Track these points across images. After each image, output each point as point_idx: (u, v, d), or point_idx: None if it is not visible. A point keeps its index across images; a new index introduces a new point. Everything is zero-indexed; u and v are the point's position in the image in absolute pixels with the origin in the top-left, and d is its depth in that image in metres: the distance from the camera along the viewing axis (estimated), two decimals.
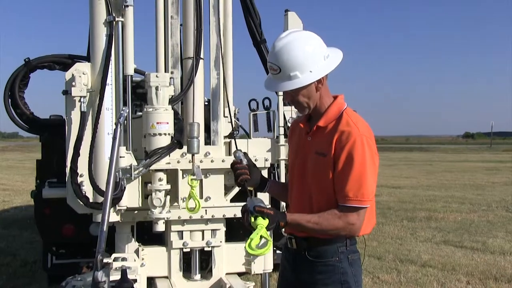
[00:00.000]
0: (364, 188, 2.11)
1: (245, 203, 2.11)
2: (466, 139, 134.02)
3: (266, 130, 4.64)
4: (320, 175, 2.20)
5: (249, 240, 1.95)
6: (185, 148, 3.61)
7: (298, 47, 2.14)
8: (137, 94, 3.79)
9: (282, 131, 4.28)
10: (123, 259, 3.35)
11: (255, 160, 3.67)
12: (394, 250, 7.38)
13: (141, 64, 4.07)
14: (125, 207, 3.55)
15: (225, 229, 3.99)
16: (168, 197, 3.63)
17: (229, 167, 2.49)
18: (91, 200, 3.45)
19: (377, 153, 2.20)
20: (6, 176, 19.45)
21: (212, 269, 3.96)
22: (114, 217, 3.51)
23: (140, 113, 3.69)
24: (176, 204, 3.73)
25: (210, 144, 3.90)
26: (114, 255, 3.38)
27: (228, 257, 4.01)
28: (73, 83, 3.41)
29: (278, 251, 4.41)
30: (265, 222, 2.00)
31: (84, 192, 3.44)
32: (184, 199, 3.64)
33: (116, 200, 3.38)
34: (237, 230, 4.12)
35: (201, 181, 3.74)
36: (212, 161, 3.80)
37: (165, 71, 3.76)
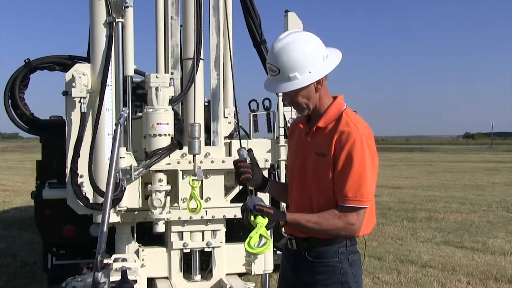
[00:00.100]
0: (364, 188, 2.11)
1: (245, 202, 2.11)
2: (466, 140, 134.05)
3: (266, 131, 4.64)
4: (320, 175, 2.20)
5: (248, 239, 1.94)
6: (185, 148, 3.61)
7: (297, 48, 2.14)
8: (137, 95, 3.80)
9: (282, 131, 4.27)
10: (123, 259, 3.36)
11: None
12: (395, 250, 7.38)
13: (141, 65, 4.07)
14: (125, 208, 3.55)
15: (225, 229, 3.99)
16: (168, 197, 3.62)
17: (229, 167, 2.49)
18: (91, 201, 3.44)
19: (377, 154, 2.20)
20: (6, 177, 19.44)
21: (212, 269, 3.96)
22: (114, 218, 3.50)
23: (140, 114, 3.68)
24: (176, 204, 3.73)
25: (210, 145, 3.90)
26: (114, 256, 3.38)
27: (229, 258, 4.01)
28: (73, 84, 3.40)
29: (278, 252, 4.41)
30: (265, 221, 2.00)
31: (84, 193, 3.43)
32: (184, 200, 3.65)
33: (116, 201, 3.38)
34: (237, 231, 4.11)
35: (201, 181, 3.74)
36: (212, 161, 3.80)
37: (165, 72, 3.76)
